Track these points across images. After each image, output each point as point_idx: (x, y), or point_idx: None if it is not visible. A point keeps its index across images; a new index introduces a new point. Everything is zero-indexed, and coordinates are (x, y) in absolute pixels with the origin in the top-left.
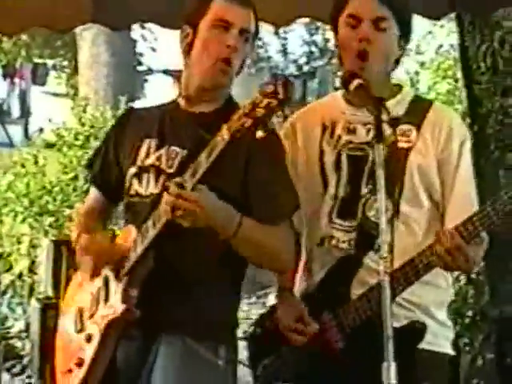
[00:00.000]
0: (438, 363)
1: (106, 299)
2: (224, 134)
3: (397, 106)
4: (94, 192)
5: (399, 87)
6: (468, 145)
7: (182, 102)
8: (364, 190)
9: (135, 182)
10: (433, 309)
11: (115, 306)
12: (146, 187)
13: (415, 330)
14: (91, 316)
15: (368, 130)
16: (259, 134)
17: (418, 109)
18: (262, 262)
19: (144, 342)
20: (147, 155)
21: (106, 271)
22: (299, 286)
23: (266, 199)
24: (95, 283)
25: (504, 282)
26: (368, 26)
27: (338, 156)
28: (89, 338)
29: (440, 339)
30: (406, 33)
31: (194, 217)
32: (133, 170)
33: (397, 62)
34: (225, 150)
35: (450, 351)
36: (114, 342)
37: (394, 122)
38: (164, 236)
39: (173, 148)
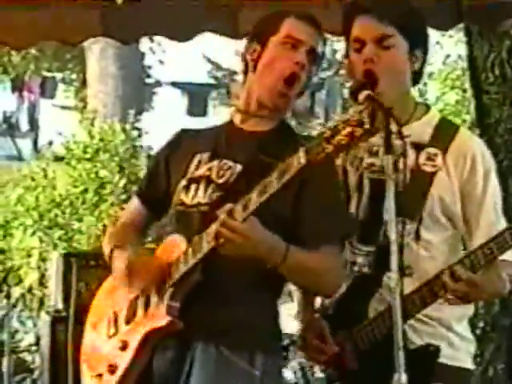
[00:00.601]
0: (460, 379)
1: (146, 307)
2: (301, 157)
3: (422, 128)
4: (136, 205)
5: (426, 108)
6: (493, 175)
7: (237, 119)
8: (386, 216)
9: (182, 192)
10: (453, 323)
11: (158, 316)
12: (193, 197)
13: (428, 353)
14: (127, 322)
15: None
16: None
17: (445, 133)
18: (308, 287)
19: (179, 351)
20: (197, 167)
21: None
22: (317, 302)
23: (318, 219)
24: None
25: None
26: (372, 47)
27: (360, 178)
28: (124, 346)
29: (461, 354)
30: (418, 44)
31: (237, 247)
32: (183, 182)
33: (418, 75)
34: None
35: (471, 366)
36: (150, 352)
37: (418, 146)
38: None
39: (225, 161)
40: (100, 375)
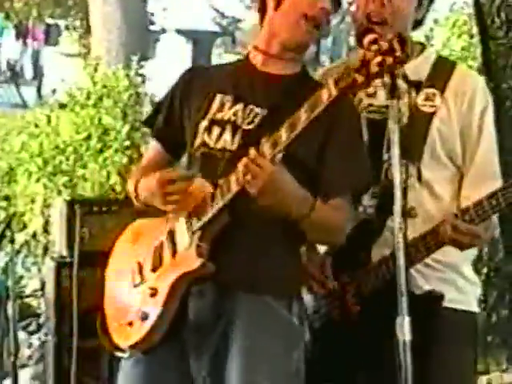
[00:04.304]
0: (468, 322)
1: (174, 253)
2: (331, 88)
3: (419, 67)
4: (155, 146)
5: (422, 46)
6: (490, 111)
7: (256, 60)
8: (385, 156)
9: (205, 133)
10: (461, 266)
11: (188, 259)
12: (217, 140)
13: (431, 299)
14: (154, 269)
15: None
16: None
17: (442, 71)
18: (321, 239)
19: (218, 296)
20: (220, 109)
21: (175, 223)
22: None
23: (341, 168)
24: (155, 237)
25: None
26: None
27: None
28: (154, 293)
29: (469, 297)
30: None
31: (264, 189)
32: (204, 123)
33: (419, 22)
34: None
35: (477, 309)
36: (180, 296)
37: (418, 85)
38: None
39: (251, 106)
40: (130, 323)
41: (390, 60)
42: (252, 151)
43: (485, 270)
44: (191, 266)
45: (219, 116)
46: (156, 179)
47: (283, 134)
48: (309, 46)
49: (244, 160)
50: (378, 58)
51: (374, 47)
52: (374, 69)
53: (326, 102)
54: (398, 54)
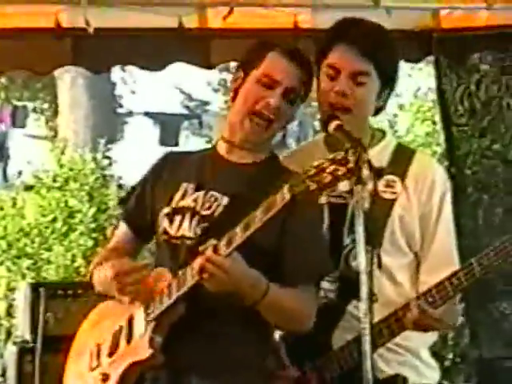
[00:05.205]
0: None
1: (129, 340)
2: (285, 193)
3: (380, 154)
4: (124, 229)
5: (382, 134)
6: (448, 197)
7: (221, 148)
8: (346, 241)
9: (166, 221)
10: (421, 351)
11: (140, 348)
12: (178, 228)
13: (395, 383)
14: (110, 355)
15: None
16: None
17: (402, 158)
18: (283, 324)
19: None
20: (183, 197)
21: (133, 311)
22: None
23: (299, 259)
24: (117, 322)
25: (484, 323)
26: (347, 81)
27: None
28: (105, 378)
29: (429, 381)
30: (388, 84)
31: (220, 283)
32: (166, 210)
33: (379, 109)
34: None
35: None
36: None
37: (378, 172)
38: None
39: (211, 193)
40: None
41: (342, 170)
42: (207, 251)
43: (450, 356)
44: (142, 355)
45: (181, 204)
46: (112, 271)
47: (238, 233)
48: (262, 139)
49: (200, 259)
50: (332, 167)
51: (330, 156)
52: (327, 178)
53: (279, 206)
54: (351, 165)
